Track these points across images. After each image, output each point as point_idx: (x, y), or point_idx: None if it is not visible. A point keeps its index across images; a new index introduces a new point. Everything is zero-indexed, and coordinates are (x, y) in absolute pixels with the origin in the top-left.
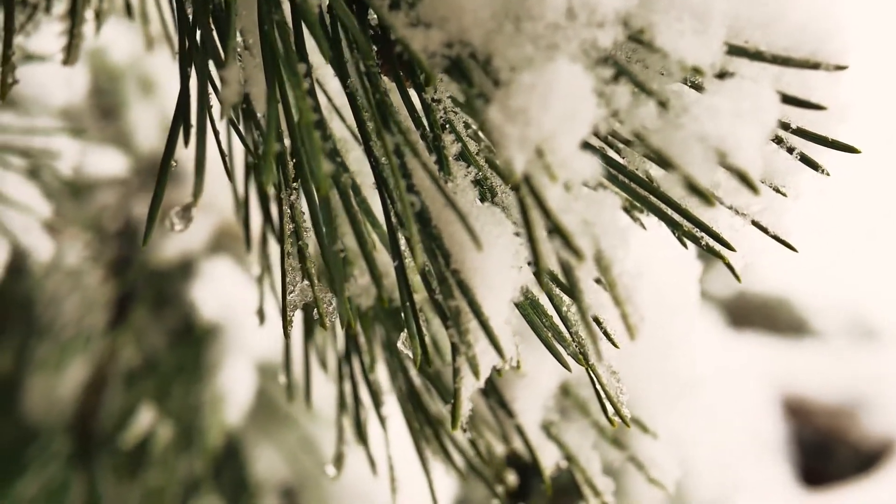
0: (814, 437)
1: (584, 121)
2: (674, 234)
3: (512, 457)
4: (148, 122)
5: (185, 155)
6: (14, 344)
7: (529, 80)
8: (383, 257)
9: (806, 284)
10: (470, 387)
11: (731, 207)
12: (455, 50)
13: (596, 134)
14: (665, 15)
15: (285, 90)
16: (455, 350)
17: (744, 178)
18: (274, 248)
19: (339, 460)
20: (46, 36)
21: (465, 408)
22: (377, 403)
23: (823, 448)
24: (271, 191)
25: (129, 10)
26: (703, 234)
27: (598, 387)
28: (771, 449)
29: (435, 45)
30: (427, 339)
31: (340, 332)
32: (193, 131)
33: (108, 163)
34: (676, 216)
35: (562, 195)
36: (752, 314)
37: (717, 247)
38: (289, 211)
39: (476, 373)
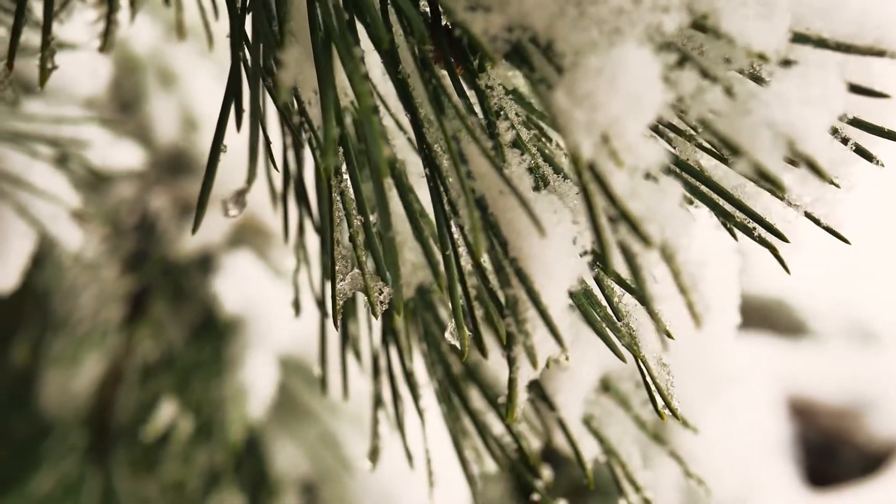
0: (819, 438)
1: (650, 106)
2: (724, 225)
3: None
4: (168, 114)
5: (206, 148)
6: (30, 337)
7: (596, 64)
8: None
9: (803, 287)
10: (525, 377)
11: (783, 198)
12: (515, 34)
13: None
14: (729, 0)
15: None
16: (511, 340)
17: (813, 166)
18: (310, 239)
19: (374, 454)
20: (74, 24)
21: (522, 398)
22: (415, 396)
23: (828, 449)
24: (309, 179)
25: None
26: (756, 225)
27: (649, 379)
28: (777, 449)
29: (496, 28)
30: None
31: (376, 324)
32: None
33: (126, 155)
34: (728, 207)
35: (627, 181)
36: (750, 316)
37: (770, 238)
38: (338, 198)
39: (534, 362)
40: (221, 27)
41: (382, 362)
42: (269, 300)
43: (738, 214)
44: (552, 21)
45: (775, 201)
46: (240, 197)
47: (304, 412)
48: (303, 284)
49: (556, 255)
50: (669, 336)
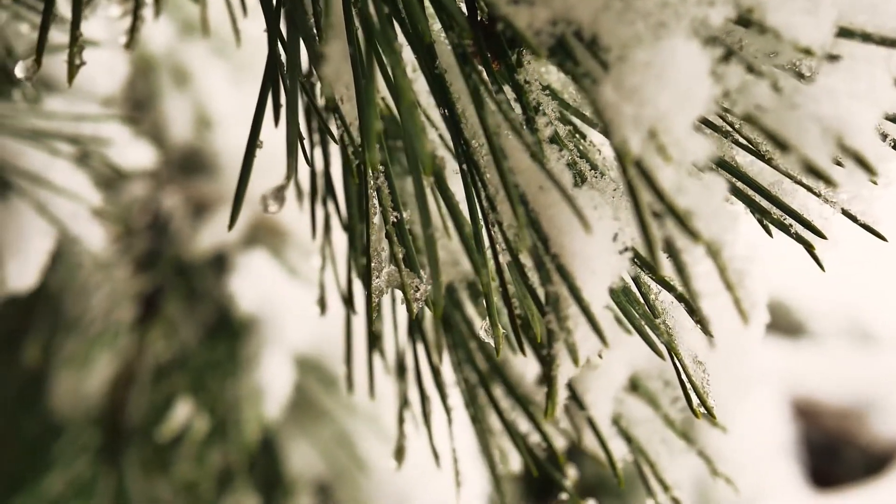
0: (822, 438)
1: (699, 101)
2: (760, 222)
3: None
4: (181, 113)
5: (219, 147)
6: (42, 337)
7: (645, 57)
8: (452, 245)
9: (801, 287)
10: (565, 375)
11: (819, 195)
12: (559, 28)
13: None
14: None
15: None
16: (551, 337)
17: (861, 161)
18: (337, 238)
19: (399, 453)
20: (93, 22)
21: (562, 396)
22: (443, 395)
23: (832, 450)
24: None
25: None
26: (792, 222)
27: (685, 377)
28: (781, 450)
29: (540, 22)
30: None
31: (400, 322)
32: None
33: (140, 154)
34: (765, 203)
35: (673, 176)
36: None
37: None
38: (374, 194)
39: (576, 360)
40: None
41: (409, 360)
42: (284, 299)
43: (775, 211)
44: (597, 15)
45: (811, 198)
46: (279, 192)
47: (319, 412)
48: (316, 281)
49: (597, 251)
50: (709, 334)
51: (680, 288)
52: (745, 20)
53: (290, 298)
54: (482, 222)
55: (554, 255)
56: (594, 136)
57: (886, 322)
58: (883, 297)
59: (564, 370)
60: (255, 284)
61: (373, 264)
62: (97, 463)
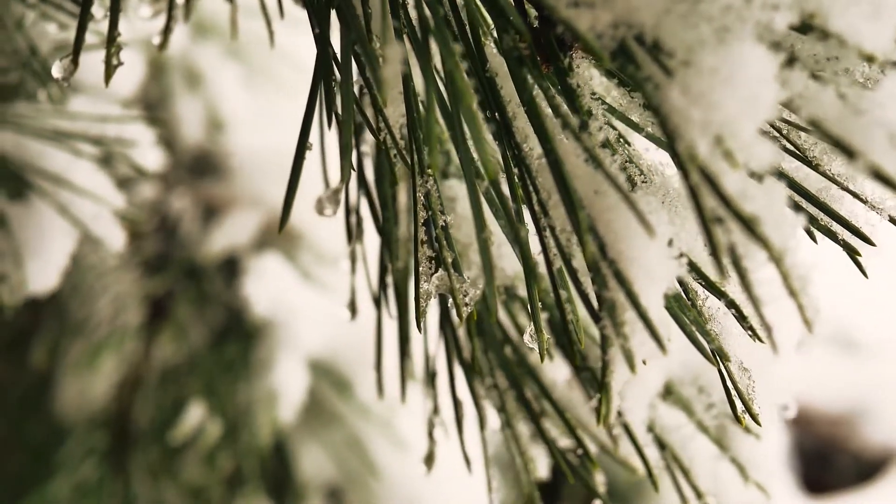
0: (814, 445)
1: (766, 106)
2: (806, 230)
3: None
4: (193, 115)
5: (231, 149)
6: (49, 340)
7: (713, 62)
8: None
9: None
10: (620, 381)
11: (866, 201)
12: (620, 31)
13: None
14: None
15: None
16: (606, 343)
17: None
18: (370, 241)
19: (430, 459)
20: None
21: (616, 403)
22: (477, 401)
23: (824, 456)
24: (367, 179)
25: None
26: (840, 228)
27: (730, 383)
28: (774, 456)
29: (602, 26)
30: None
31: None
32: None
33: (148, 156)
34: (812, 210)
35: (739, 182)
36: None
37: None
38: (422, 198)
39: (632, 366)
40: (246, 26)
41: (441, 364)
42: (298, 303)
43: (823, 217)
44: (659, 18)
45: (857, 204)
46: (335, 196)
47: (332, 416)
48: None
49: (655, 256)
50: (760, 340)
51: (731, 294)
52: (806, 25)
53: (304, 302)
54: (532, 227)
55: (611, 261)
56: (637, 141)
57: (870, 330)
58: (865, 304)
59: (619, 376)
60: (268, 288)
61: (421, 268)
62: (104, 467)
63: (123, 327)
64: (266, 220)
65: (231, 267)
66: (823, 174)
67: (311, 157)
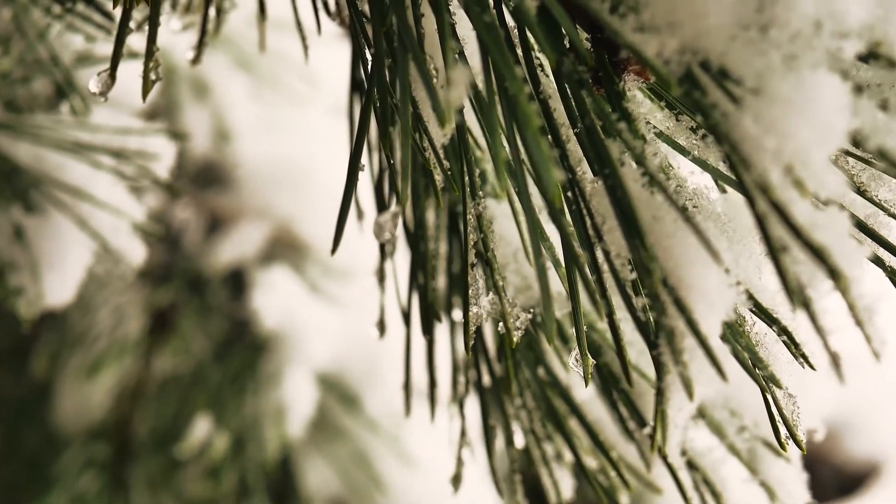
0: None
1: (837, 135)
2: None
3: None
4: (200, 125)
5: (237, 160)
6: (49, 351)
7: (787, 90)
8: (524, 269)
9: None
10: (677, 409)
11: None
12: (686, 57)
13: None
14: None
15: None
16: (661, 370)
17: None
18: (401, 259)
19: (457, 480)
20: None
21: (672, 430)
22: (507, 423)
23: (807, 470)
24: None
25: (261, 6)
26: (889, 255)
27: (775, 410)
28: (800, 480)
29: (669, 51)
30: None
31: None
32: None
33: (160, 168)
34: (861, 237)
35: (808, 211)
36: None
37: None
38: (473, 220)
39: (691, 394)
40: (253, 36)
41: (467, 380)
42: (306, 316)
43: (870, 243)
44: (727, 44)
45: None
46: (394, 219)
47: (338, 430)
48: (338, 299)
49: (715, 284)
50: (811, 367)
51: (784, 321)
52: (873, 53)
53: (312, 315)
54: (584, 252)
55: (671, 288)
56: (682, 164)
57: (853, 344)
58: (842, 318)
59: (675, 403)
60: (276, 301)
61: (470, 291)
62: (103, 479)
63: (125, 338)
64: (273, 231)
65: (236, 279)
66: (871, 200)
67: (320, 171)
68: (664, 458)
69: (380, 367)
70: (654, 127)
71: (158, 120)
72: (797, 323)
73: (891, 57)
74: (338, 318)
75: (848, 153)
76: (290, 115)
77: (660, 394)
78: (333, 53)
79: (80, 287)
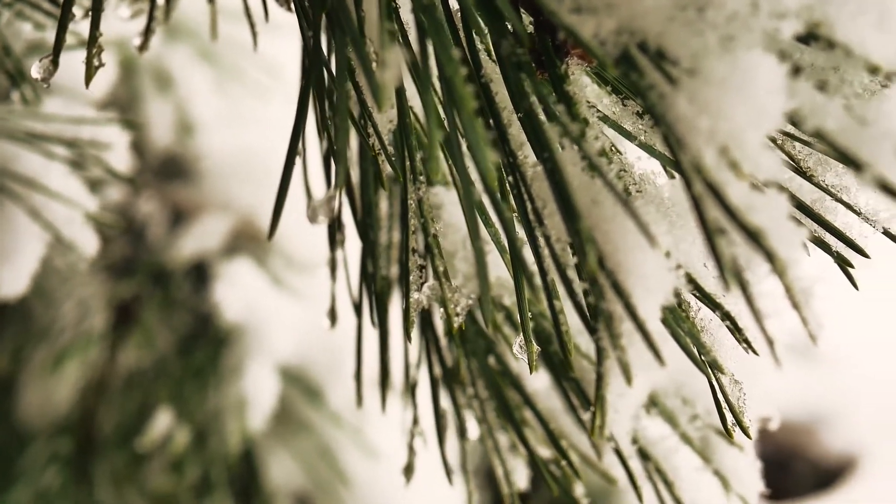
0: (773, 452)
1: (774, 116)
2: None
3: None
4: (163, 117)
5: (200, 153)
6: (11, 345)
7: (722, 71)
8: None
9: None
10: (615, 393)
11: (860, 213)
12: (623, 38)
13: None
14: (844, 8)
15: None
16: (601, 355)
17: None
18: (351, 247)
19: (409, 470)
20: (81, 23)
21: (610, 415)
22: (459, 411)
23: (783, 464)
24: (350, 184)
25: None
26: (833, 240)
27: (721, 396)
28: (754, 467)
29: (606, 32)
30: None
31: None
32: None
33: (116, 158)
34: (807, 221)
35: (744, 193)
36: None
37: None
38: (414, 205)
39: (629, 378)
40: (224, 29)
41: (423, 373)
42: (268, 309)
43: (816, 229)
44: (664, 25)
45: (851, 216)
46: (329, 203)
47: (302, 423)
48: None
49: (653, 268)
50: (755, 353)
51: (726, 306)
52: (812, 35)
53: (275, 308)
54: (525, 237)
55: (610, 272)
56: (628, 149)
57: (829, 338)
58: (824, 312)
59: (613, 388)
60: (239, 293)
61: (411, 277)
62: (67, 473)
63: (89, 332)
64: (236, 224)
65: (200, 272)
66: (817, 185)
67: (280, 161)
68: (614, 446)
69: (343, 360)
70: (599, 111)
71: (120, 112)
72: (740, 308)
73: (830, 38)
74: (300, 310)
75: (793, 137)
76: (252, 106)
77: (599, 378)
78: (295, 43)
79: (34, 278)
